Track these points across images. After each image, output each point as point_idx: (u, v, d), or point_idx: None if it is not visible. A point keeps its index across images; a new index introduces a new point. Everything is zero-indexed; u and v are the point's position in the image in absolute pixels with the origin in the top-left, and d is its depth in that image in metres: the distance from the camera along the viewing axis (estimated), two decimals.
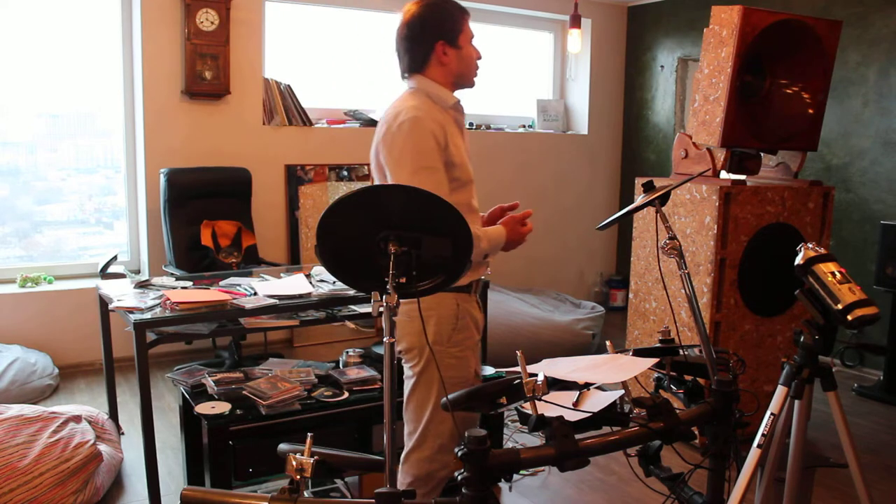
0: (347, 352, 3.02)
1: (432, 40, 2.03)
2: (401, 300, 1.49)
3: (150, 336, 2.58)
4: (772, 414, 1.86)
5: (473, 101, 5.83)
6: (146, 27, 4.36)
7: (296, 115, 4.90)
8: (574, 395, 1.69)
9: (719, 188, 3.18)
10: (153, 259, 4.54)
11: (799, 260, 1.80)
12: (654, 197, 1.93)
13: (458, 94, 2.11)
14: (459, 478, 1.38)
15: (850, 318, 1.69)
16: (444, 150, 1.98)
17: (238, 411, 2.48)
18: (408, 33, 2.05)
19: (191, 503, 1.34)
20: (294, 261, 4.92)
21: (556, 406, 1.52)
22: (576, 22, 5.13)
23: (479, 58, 2.11)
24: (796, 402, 1.86)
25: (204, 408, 2.48)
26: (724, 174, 3.36)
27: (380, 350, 2.88)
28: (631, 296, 3.70)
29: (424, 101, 2.02)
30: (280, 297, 2.82)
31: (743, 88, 3.27)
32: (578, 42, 5.28)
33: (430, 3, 2.05)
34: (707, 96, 3.27)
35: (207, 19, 4.40)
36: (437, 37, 2.03)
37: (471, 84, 2.13)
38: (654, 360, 1.73)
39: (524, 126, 6.06)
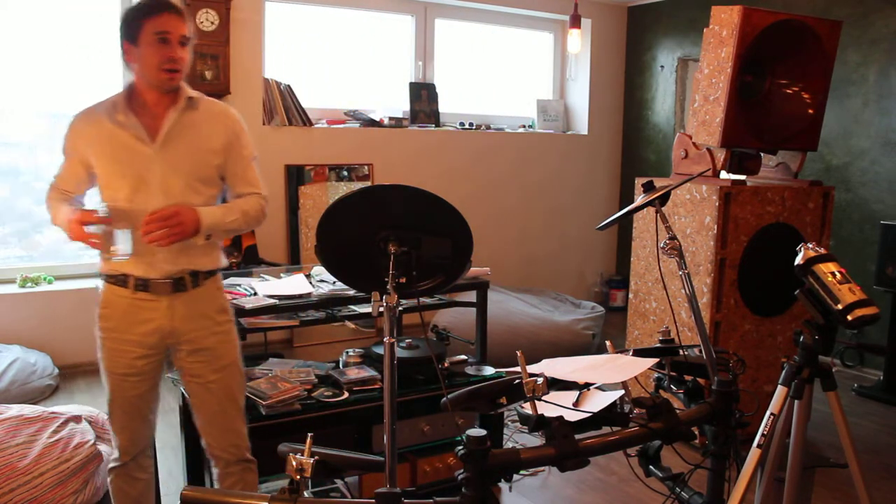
0: (347, 352, 3.02)
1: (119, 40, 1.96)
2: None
3: None
4: (772, 414, 1.86)
5: (473, 101, 5.84)
6: None
7: (296, 115, 4.90)
8: (574, 395, 1.69)
9: (719, 188, 3.18)
10: None
11: (799, 260, 1.80)
12: (654, 197, 1.93)
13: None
14: (459, 478, 1.38)
15: (850, 318, 1.69)
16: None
17: None
18: None
19: (191, 503, 1.34)
20: (294, 261, 4.91)
21: (556, 406, 1.52)
22: (576, 22, 5.13)
23: (164, 57, 1.89)
24: (796, 402, 1.86)
25: None
26: (724, 174, 3.36)
27: (380, 350, 2.88)
28: (631, 296, 3.70)
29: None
30: (280, 297, 2.82)
31: (743, 88, 3.27)
32: (578, 42, 5.28)
33: None
34: (707, 96, 3.27)
35: (207, 19, 4.40)
36: (120, 36, 1.95)
37: (160, 87, 1.96)
38: (654, 360, 1.73)
39: (524, 126, 6.06)
